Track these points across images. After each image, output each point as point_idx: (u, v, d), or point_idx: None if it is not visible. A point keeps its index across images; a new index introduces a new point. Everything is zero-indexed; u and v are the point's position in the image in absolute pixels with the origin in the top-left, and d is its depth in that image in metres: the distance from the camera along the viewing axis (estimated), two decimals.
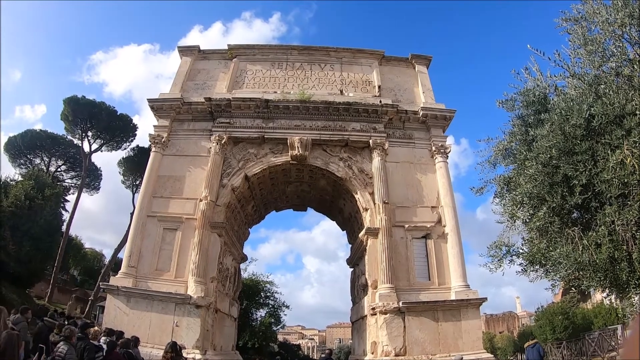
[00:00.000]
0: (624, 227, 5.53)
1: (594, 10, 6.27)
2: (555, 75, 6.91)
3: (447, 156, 15.42)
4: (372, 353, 12.77)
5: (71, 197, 28.14)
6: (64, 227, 24.55)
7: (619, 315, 21.15)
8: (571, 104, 6.17)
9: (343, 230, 19.55)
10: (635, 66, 5.73)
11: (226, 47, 17.79)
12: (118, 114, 26.66)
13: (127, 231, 19.63)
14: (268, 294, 27.63)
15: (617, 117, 5.72)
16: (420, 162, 15.49)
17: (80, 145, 26.69)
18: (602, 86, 6.00)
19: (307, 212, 21.92)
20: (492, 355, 13.73)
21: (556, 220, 6.39)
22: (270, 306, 27.84)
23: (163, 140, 15.03)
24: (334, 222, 19.97)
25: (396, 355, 11.92)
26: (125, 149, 27.85)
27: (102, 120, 25.61)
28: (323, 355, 15.74)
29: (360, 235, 14.74)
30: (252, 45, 18.62)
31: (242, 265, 19.43)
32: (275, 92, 16.30)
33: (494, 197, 7.92)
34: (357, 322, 15.95)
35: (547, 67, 7.33)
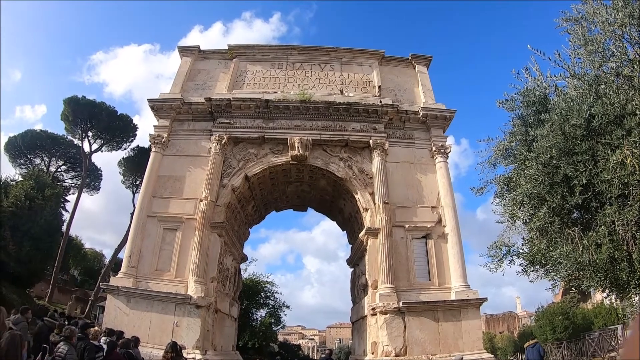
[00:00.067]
0: (624, 227, 5.53)
1: (594, 10, 6.27)
2: (555, 76, 6.91)
3: (447, 156, 15.42)
4: (373, 353, 12.77)
5: (71, 197, 28.20)
6: (64, 227, 24.56)
7: (619, 316, 21.14)
8: (571, 104, 6.17)
9: (343, 230, 19.54)
10: (635, 66, 5.73)
11: (226, 47, 17.79)
12: (118, 114, 26.68)
13: (127, 231, 19.64)
14: (268, 294, 27.65)
15: (617, 117, 5.72)
16: (421, 162, 15.49)
17: (80, 145, 26.72)
18: (603, 86, 6.00)
19: (307, 212, 21.91)
20: (492, 356, 13.72)
21: (556, 220, 6.39)
22: (271, 306, 27.86)
23: (163, 140, 15.03)
24: (334, 222, 19.97)
25: (396, 355, 11.92)
26: (125, 149, 27.92)
27: (102, 120, 25.61)
28: (323, 356, 15.73)
29: (360, 235, 14.74)
30: (252, 45, 18.62)
31: (242, 266, 19.44)
32: (275, 92, 16.31)
33: (494, 197, 7.92)
34: (358, 322, 15.95)
35: (547, 67, 7.36)
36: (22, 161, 27.08)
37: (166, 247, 13.60)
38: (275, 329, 29.75)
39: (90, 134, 26.12)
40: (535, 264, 6.97)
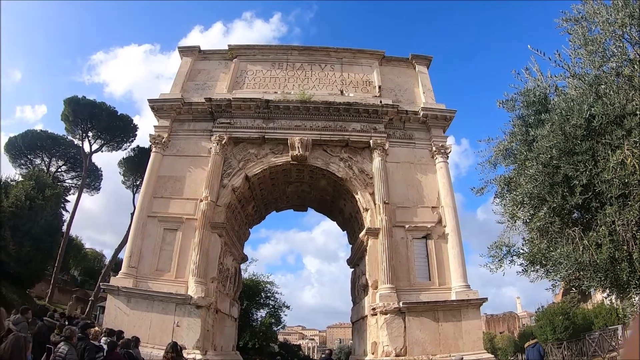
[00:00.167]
0: (624, 227, 5.53)
1: (594, 11, 6.27)
2: (555, 76, 6.91)
3: (448, 156, 15.42)
4: (373, 353, 12.77)
5: (71, 198, 28.22)
6: (64, 228, 24.59)
7: (620, 316, 21.13)
8: (572, 104, 6.16)
9: (343, 230, 19.54)
10: (635, 66, 5.73)
11: (226, 48, 17.79)
12: (118, 114, 26.71)
13: (128, 231, 19.66)
14: (268, 294, 27.64)
15: (617, 117, 5.72)
16: (421, 163, 15.49)
17: (80, 145, 26.77)
18: (603, 86, 5.99)
19: (308, 213, 21.88)
20: (493, 356, 13.71)
21: (557, 220, 6.39)
22: (271, 306, 27.86)
23: (163, 140, 15.04)
24: (335, 222, 19.97)
25: (397, 355, 11.92)
26: (125, 149, 27.94)
27: (102, 120, 25.64)
28: (323, 356, 15.71)
29: (360, 235, 14.74)
30: (252, 45, 18.63)
31: (242, 266, 19.44)
32: (275, 92, 16.31)
33: (495, 198, 7.92)
34: (358, 322, 15.94)
35: (547, 67, 7.35)
36: (22, 161, 27.11)
37: (166, 248, 13.61)
38: (275, 329, 29.75)
39: (90, 134, 26.16)
40: (536, 264, 6.97)
